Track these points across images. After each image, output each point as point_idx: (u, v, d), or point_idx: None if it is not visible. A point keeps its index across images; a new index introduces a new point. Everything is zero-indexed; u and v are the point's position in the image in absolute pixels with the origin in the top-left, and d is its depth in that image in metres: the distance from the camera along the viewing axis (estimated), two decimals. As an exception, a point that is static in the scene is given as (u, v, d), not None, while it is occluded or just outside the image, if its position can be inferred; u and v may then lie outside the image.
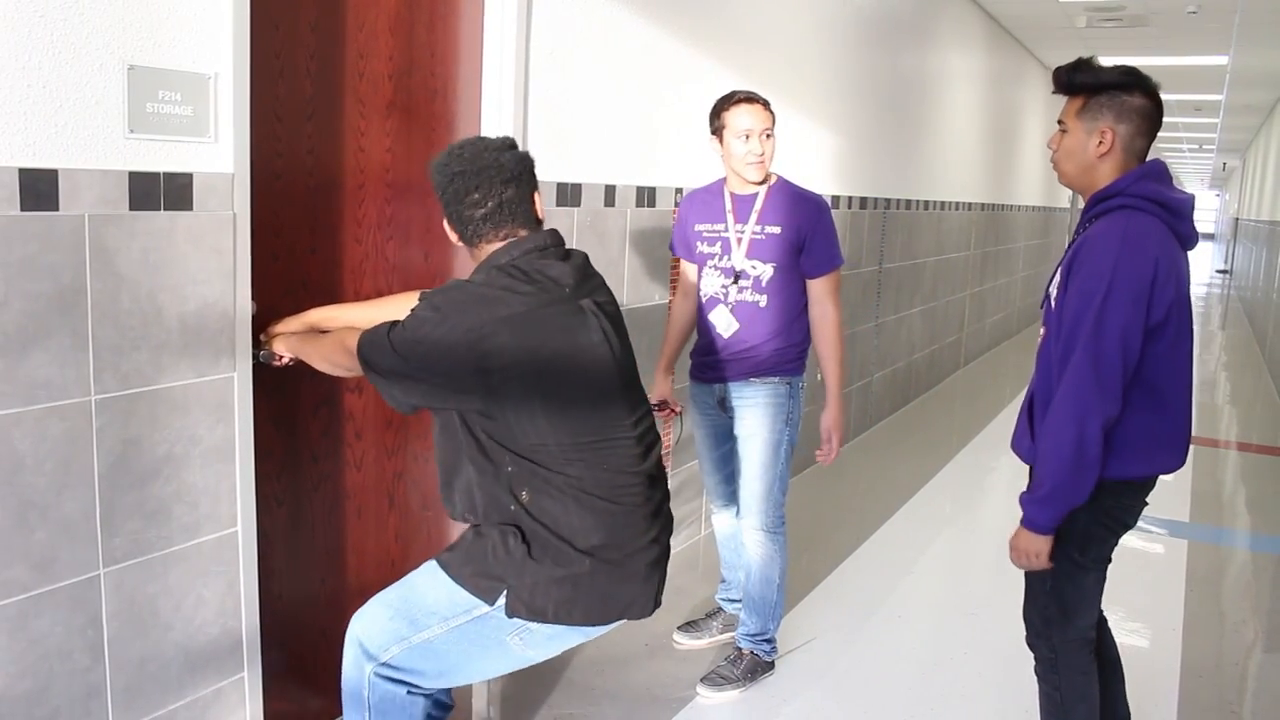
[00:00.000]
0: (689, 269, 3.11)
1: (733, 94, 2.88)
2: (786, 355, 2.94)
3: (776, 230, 2.88)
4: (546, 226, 2.07)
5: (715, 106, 2.90)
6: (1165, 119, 2.21)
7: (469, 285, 1.94)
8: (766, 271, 2.89)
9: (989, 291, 9.38)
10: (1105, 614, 2.37)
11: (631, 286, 3.48)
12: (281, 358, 2.22)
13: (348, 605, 2.64)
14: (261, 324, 2.23)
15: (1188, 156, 22.97)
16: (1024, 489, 2.15)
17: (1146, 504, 2.23)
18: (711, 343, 2.97)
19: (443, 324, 1.87)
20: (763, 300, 2.90)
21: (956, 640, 3.39)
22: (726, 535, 3.26)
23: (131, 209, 1.88)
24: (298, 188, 2.34)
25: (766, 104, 2.87)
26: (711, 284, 2.96)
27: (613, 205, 3.37)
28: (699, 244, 2.99)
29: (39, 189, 1.74)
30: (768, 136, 2.85)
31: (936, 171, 7.16)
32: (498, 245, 1.98)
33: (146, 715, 2.05)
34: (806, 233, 2.87)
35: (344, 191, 2.47)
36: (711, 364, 3.00)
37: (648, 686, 3.00)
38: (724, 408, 3.01)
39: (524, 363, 1.87)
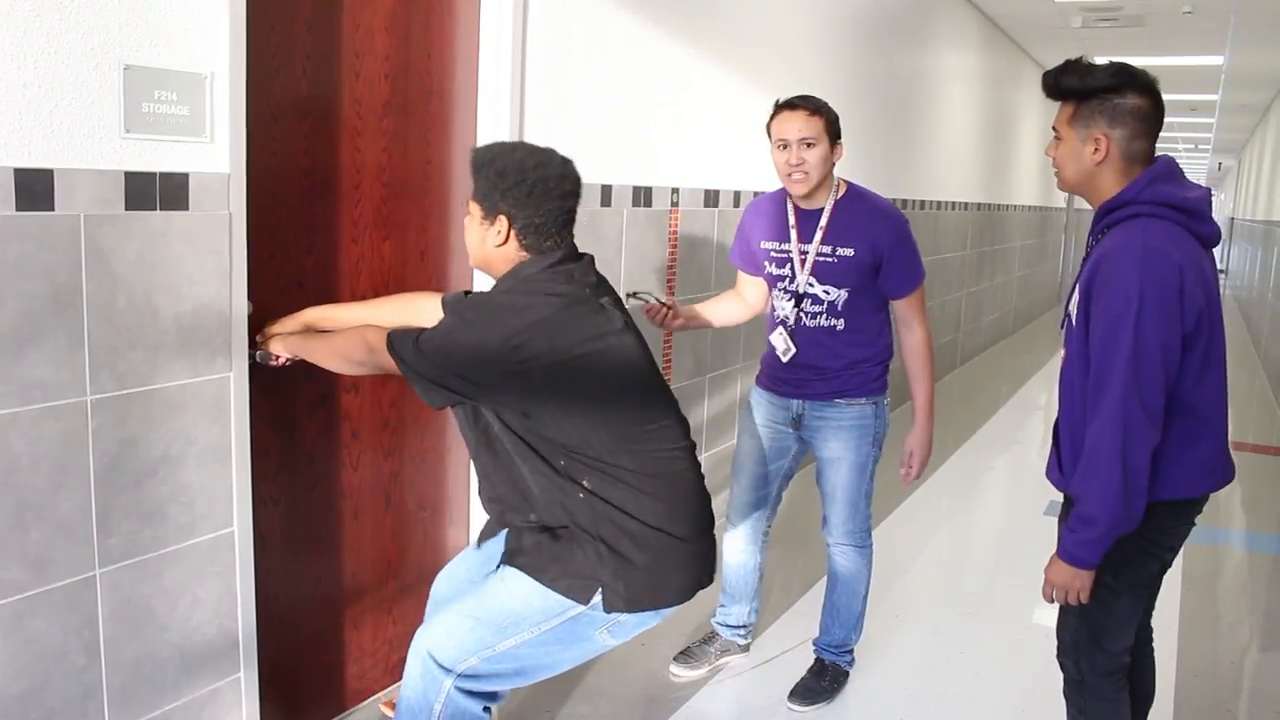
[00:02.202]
0: (747, 280, 2.93)
1: (777, 101, 2.70)
2: (870, 374, 2.77)
3: (849, 252, 2.66)
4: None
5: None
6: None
7: (495, 296, 1.99)
8: (841, 296, 2.70)
9: (985, 291, 9.39)
10: (1154, 648, 2.32)
11: (627, 287, 3.48)
12: (278, 358, 2.22)
13: (344, 605, 2.64)
14: (257, 324, 2.23)
15: (1183, 156, 23.01)
16: (1066, 520, 2.02)
17: (1193, 524, 2.10)
18: (790, 360, 2.80)
19: (475, 335, 1.91)
20: (839, 324, 2.72)
21: (953, 640, 3.39)
22: (738, 561, 3.04)
23: (127, 209, 1.88)
24: (294, 187, 2.34)
25: (814, 109, 2.62)
26: (783, 307, 2.77)
27: (609, 205, 3.37)
28: (768, 264, 2.79)
29: (34, 189, 1.74)
30: (808, 145, 2.59)
31: (932, 171, 7.17)
32: (531, 255, 2.01)
33: (142, 716, 2.05)
34: (883, 253, 2.65)
35: (340, 191, 2.46)
36: (790, 380, 2.81)
37: (645, 686, 3.00)
38: (798, 425, 2.84)
39: (561, 363, 1.92)
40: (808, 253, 2.71)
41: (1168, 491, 1.97)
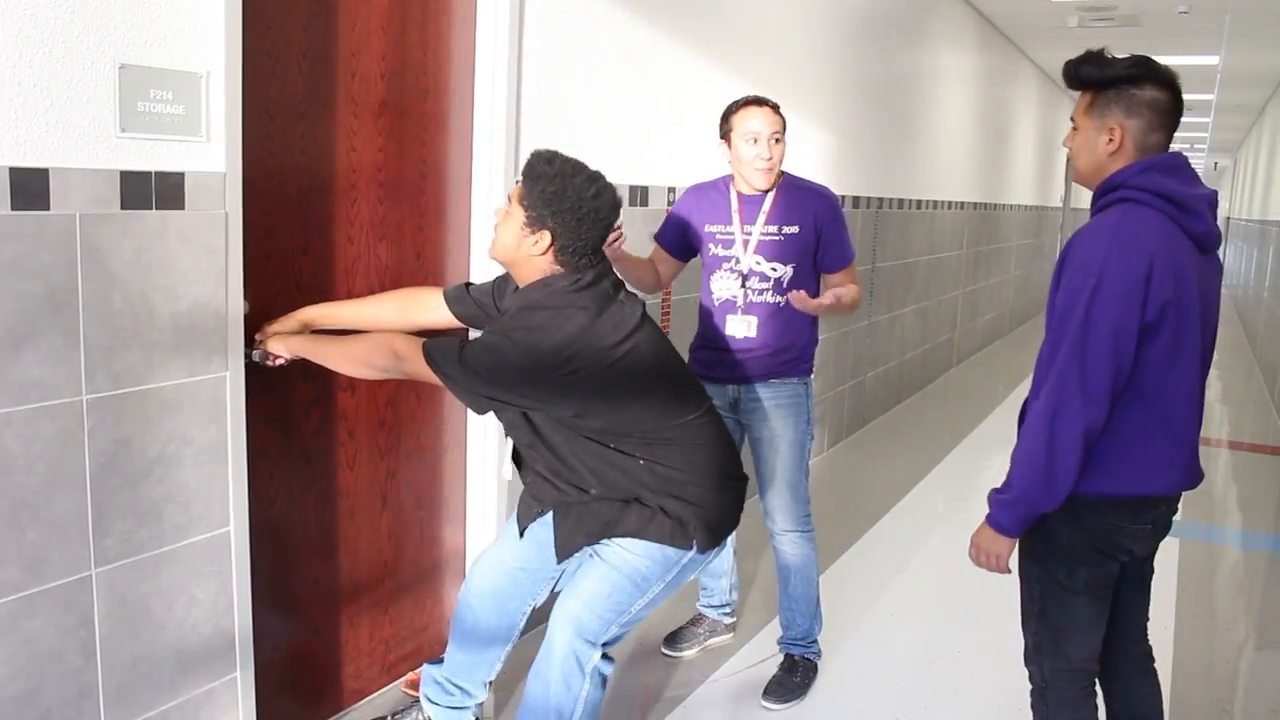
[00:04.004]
0: (663, 258, 3.00)
1: (743, 98, 2.84)
2: (805, 355, 2.91)
3: (795, 230, 2.82)
4: None
5: (725, 111, 2.85)
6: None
7: (534, 313, 2.07)
8: (787, 273, 2.83)
9: (981, 290, 9.40)
10: (1157, 675, 2.23)
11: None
12: (278, 358, 2.22)
13: (341, 605, 2.64)
14: (254, 324, 2.23)
15: (1179, 156, 23.03)
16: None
17: (1153, 529, 2.02)
18: (724, 341, 2.89)
19: (524, 351, 2.02)
20: (783, 301, 2.83)
21: (950, 639, 3.39)
22: None
23: (123, 208, 1.88)
24: (290, 187, 2.34)
25: (776, 108, 2.82)
26: (727, 287, 2.87)
27: (606, 204, 3.37)
28: (712, 246, 2.90)
29: (30, 188, 1.73)
30: (776, 141, 2.79)
31: (929, 171, 7.17)
32: (562, 269, 2.10)
33: (138, 716, 2.05)
34: (823, 229, 2.84)
35: (336, 191, 2.46)
36: (726, 362, 2.90)
37: (641, 686, 3.00)
38: (736, 409, 2.93)
39: (606, 367, 2.06)
40: (751, 233, 2.85)
41: (1117, 486, 1.93)
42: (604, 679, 2.23)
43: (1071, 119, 2.05)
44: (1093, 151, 1.96)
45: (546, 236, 2.07)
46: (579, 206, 2.06)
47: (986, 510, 2.04)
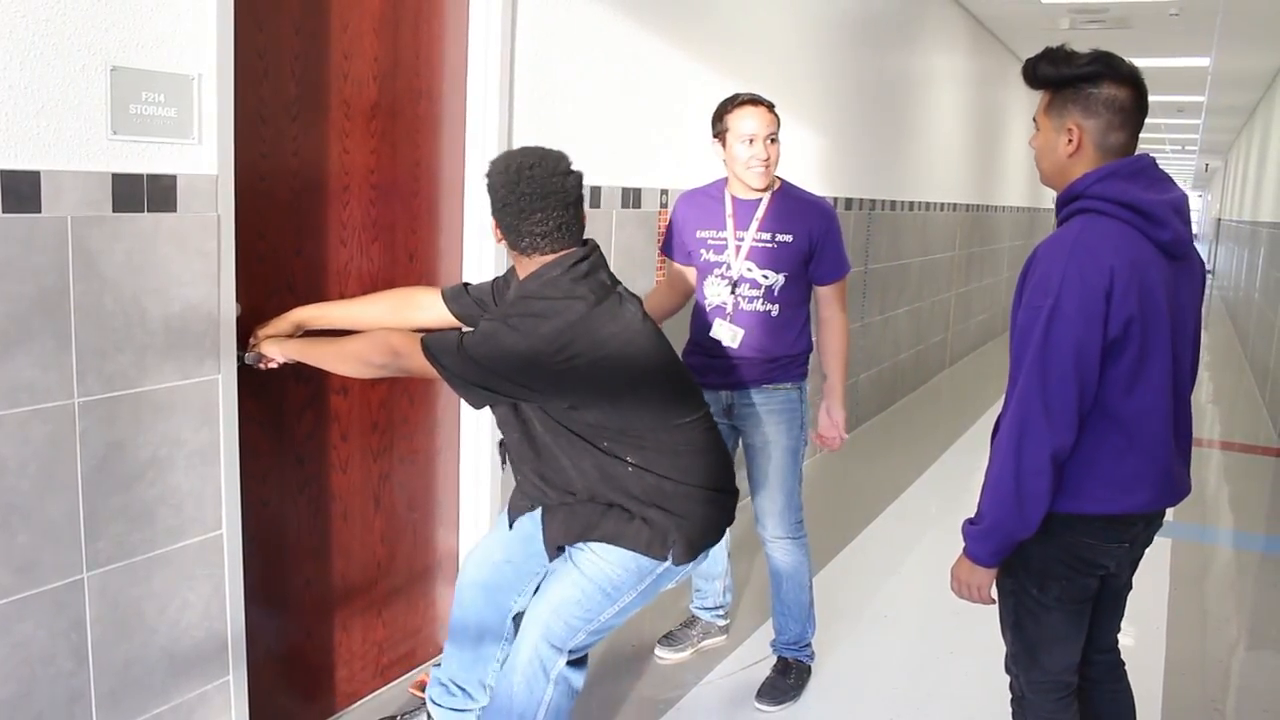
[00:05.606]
0: (679, 269, 3.02)
1: (736, 96, 2.79)
2: (798, 361, 2.89)
3: (788, 238, 2.79)
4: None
5: (718, 109, 2.81)
6: (1147, 120, 1.97)
7: (531, 302, 2.06)
8: (779, 281, 2.80)
9: (974, 292, 9.42)
10: (1128, 681, 2.17)
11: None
12: (270, 361, 2.22)
13: (333, 608, 2.64)
14: (247, 326, 2.22)
15: (1170, 158, 23.14)
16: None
17: (1130, 547, 1.96)
18: (718, 348, 2.86)
19: (522, 340, 2.01)
20: (775, 309, 2.82)
21: (943, 641, 3.39)
22: None
23: (115, 211, 1.88)
24: (282, 189, 2.34)
25: (771, 107, 2.78)
26: (718, 293, 2.85)
27: (598, 206, 3.37)
28: (703, 251, 2.87)
29: (21, 191, 1.73)
30: (772, 141, 2.76)
31: (921, 172, 7.19)
32: (550, 258, 2.09)
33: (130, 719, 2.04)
34: (817, 240, 2.81)
35: (329, 193, 2.46)
36: (720, 368, 2.87)
37: (635, 687, 3.00)
38: (730, 414, 2.92)
39: (602, 358, 2.04)
40: (744, 239, 2.82)
41: (1086, 504, 1.87)
42: (572, 687, 2.20)
43: (1034, 118, 1.97)
44: (1053, 153, 1.90)
45: (524, 241, 2.08)
46: (519, 197, 2.03)
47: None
